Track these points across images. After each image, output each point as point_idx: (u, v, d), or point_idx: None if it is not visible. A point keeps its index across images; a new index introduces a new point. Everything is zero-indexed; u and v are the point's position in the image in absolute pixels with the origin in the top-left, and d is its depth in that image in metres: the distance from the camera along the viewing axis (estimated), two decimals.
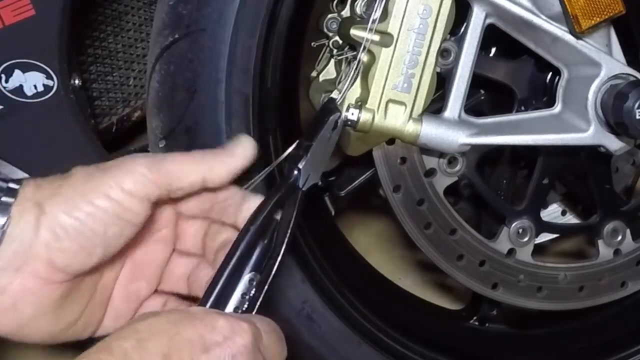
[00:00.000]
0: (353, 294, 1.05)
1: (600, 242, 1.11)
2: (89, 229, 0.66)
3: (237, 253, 0.71)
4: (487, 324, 1.21)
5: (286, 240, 0.75)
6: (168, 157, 0.71)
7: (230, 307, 0.71)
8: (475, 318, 1.22)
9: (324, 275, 1.02)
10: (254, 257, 0.72)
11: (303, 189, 0.76)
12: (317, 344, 1.00)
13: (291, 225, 0.75)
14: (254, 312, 0.73)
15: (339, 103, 0.83)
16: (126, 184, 0.67)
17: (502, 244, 1.07)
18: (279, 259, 0.74)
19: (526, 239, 1.07)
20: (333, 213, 1.21)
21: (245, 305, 0.71)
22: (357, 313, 1.04)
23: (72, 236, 0.66)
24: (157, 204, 0.72)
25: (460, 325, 1.22)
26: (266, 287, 0.73)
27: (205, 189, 0.73)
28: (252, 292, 0.72)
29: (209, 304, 0.70)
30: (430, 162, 1.00)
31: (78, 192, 0.67)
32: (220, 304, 0.70)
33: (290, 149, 0.80)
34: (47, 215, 0.65)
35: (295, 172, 0.76)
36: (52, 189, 0.67)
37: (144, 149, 1.13)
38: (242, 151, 0.74)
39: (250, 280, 0.72)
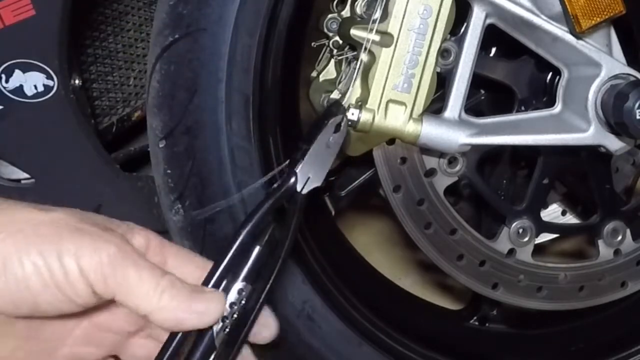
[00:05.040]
0: (353, 294, 1.05)
1: (600, 242, 1.12)
2: (26, 283, 0.60)
3: (226, 259, 0.69)
4: (487, 324, 1.22)
5: (286, 246, 0.74)
6: (136, 265, 0.63)
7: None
8: (475, 318, 1.22)
9: (324, 275, 1.02)
10: (248, 263, 0.71)
11: (303, 192, 0.76)
12: (317, 344, 1.00)
13: (291, 231, 0.74)
14: (250, 321, 0.72)
15: (344, 105, 0.82)
16: (83, 260, 0.61)
17: (502, 244, 1.07)
18: (279, 264, 0.73)
19: (526, 239, 1.07)
20: (333, 213, 1.21)
21: (235, 315, 0.69)
22: (357, 313, 1.04)
23: (9, 280, 0.60)
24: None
25: (460, 325, 1.22)
26: (263, 295, 0.72)
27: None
28: (243, 301, 0.70)
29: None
30: (431, 162, 1.00)
31: (38, 237, 0.61)
32: None
33: (281, 166, 0.78)
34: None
35: (293, 176, 0.76)
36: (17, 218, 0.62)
37: (144, 149, 1.13)
38: (203, 312, 0.65)
39: (240, 291, 0.70)
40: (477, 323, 1.22)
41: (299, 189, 0.75)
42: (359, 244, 1.22)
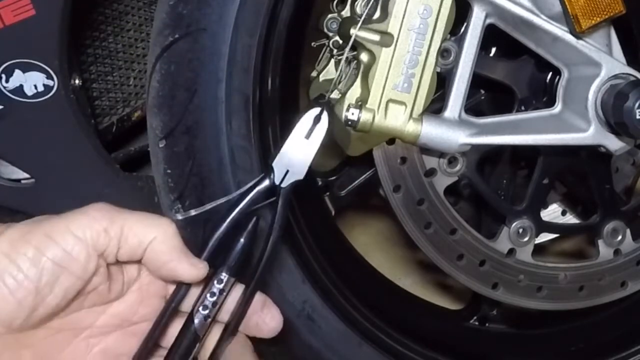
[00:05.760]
0: (353, 294, 1.05)
1: (600, 242, 1.12)
2: (23, 273, 0.61)
3: (207, 249, 0.71)
4: (487, 324, 1.22)
5: (272, 238, 0.74)
6: (130, 211, 0.66)
7: (199, 305, 0.71)
8: (475, 318, 1.22)
9: (324, 275, 1.02)
10: (231, 257, 0.72)
11: (282, 186, 0.76)
12: (317, 344, 1.00)
13: (276, 223, 0.75)
14: (240, 312, 0.73)
15: (327, 98, 0.82)
16: (74, 226, 0.63)
17: (502, 243, 1.07)
18: (265, 256, 0.74)
19: (526, 238, 1.07)
20: (333, 213, 1.21)
21: (216, 305, 0.71)
22: (357, 313, 1.04)
23: (5, 281, 0.61)
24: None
25: (460, 325, 1.22)
26: (251, 286, 0.73)
27: (139, 262, 0.68)
28: (224, 292, 0.72)
29: (175, 301, 0.71)
30: (431, 162, 1.00)
31: (22, 232, 0.63)
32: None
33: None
34: None
35: (270, 171, 0.76)
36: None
37: (144, 149, 1.13)
38: (191, 265, 0.68)
39: (220, 281, 0.72)
40: (477, 323, 1.22)
41: (277, 182, 0.75)
42: (359, 244, 1.22)
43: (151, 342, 0.70)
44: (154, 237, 0.67)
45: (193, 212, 0.89)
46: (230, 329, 0.73)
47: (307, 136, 0.76)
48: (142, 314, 0.72)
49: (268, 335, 0.75)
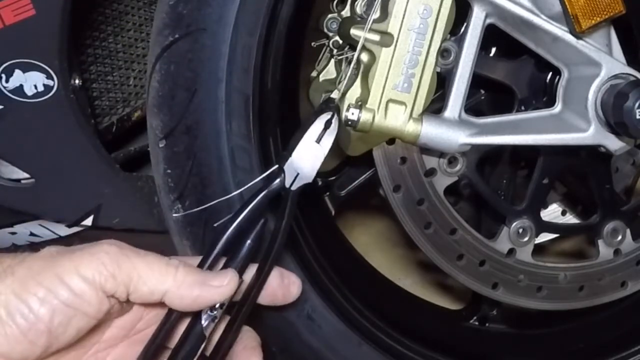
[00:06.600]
0: (353, 294, 1.05)
1: (600, 242, 1.11)
2: (34, 314, 0.61)
3: (214, 253, 0.71)
4: (487, 324, 1.22)
5: (278, 240, 0.75)
6: (139, 255, 0.65)
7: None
8: (475, 318, 1.22)
9: (324, 275, 1.02)
10: (239, 257, 0.72)
11: (292, 189, 0.76)
12: (317, 344, 1.00)
13: (283, 225, 0.75)
14: (241, 314, 0.73)
15: (337, 103, 0.82)
16: (82, 268, 0.62)
17: (502, 243, 1.07)
18: (271, 257, 0.74)
19: (526, 238, 1.07)
20: (333, 213, 1.21)
21: (223, 306, 0.71)
22: (357, 313, 1.04)
23: (17, 321, 0.61)
24: (125, 301, 0.66)
25: (460, 325, 1.22)
26: (256, 286, 0.73)
27: (161, 304, 0.68)
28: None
29: None
30: (431, 161, 1.00)
31: (33, 271, 0.62)
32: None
33: (267, 172, 0.79)
34: None
35: (281, 173, 0.76)
36: (8, 266, 0.63)
37: (144, 149, 1.13)
38: (219, 285, 0.67)
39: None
40: (477, 323, 1.22)
41: (287, 185, 0.76)
42: (359, 244, 1.22)
43: (157, 341, 0.69)
44: (166, 290, 0.65)
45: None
46: (236, 326, 0.73)
47: (318, 140, 0.76)
48: (147, 319, 0.72)
49: (294, 298, 0.80)
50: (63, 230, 1.10)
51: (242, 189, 0.85)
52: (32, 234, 1.12)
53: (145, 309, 0.72)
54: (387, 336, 1.06)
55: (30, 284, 0.61)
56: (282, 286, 0.77)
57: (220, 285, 0.67)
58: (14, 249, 1.16)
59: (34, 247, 1.02)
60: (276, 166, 0.77)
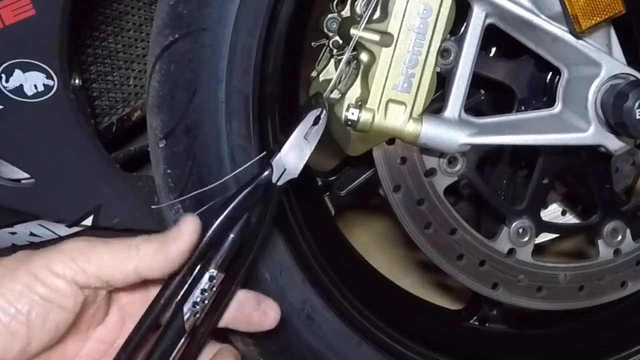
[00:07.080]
0: (353, 294, 1.05)
1: (600, 242, 1.12)
2: (14, 307, 0.64)
3: (199, 247, 0.71)
4: (487, 324, 1.22)
5: (260, 236, 0.75)
6: (105, 244, 0.67)
7: (189, 301, 0.71)
8: (475, 318, 1.22)
9: (324, 275, 1.02)
10: (221, 251, 0.72)
11: (278, 184, 0.76)
12: (317, 344, 1.00)
13: (266, 221, 0.76)
14: (220, 309, 0.73)
15: (325, 98, 0.82)
16: (53, 265, 0.65)
17: (502, 243, 1.07)
18: (252, 252, 0.74)
19: (526, 238, 1.07)
20: (333, 213, 1.21)
21: (206, 301, 0.71)
22: (357, 313, 1.04)
23: None
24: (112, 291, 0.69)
25: (460, 325, 1.22)
26: (235, 282, 0.73)
27: (147, 280, 0.69)
28: (214, 287, 0.72)
29: (164, 297, 0.71)
30: (430, 161, 1.00)
31: (8, 270, 0.65)
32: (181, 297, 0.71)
33: (248, 164, 0.79)
34: None
35: (269, 168, 0.77)
36: None
37: (144, 149, 1.13)
38: (179, 237, 0.68)
39: (211, 277, 0.72)
40: (477, 323, 1.22)
41: (274, 180, 0.76)
42: (359, 244, 1.22)
43: (138, 336, 0.70)
44: (134, 267, 0.67)
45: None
46: (212, 324, 0.74)
47: (306, 136, 0.76)
48: (125, 334, 0.73)
49: (272, 325, 0.77)
50: (63, 230, 1.10)
51: (222, 180, 0.84)
52: (32, 234, 1.11)
53: (123, 323, 0.73)
54: (387, 336, 1.06)
55: (7, 281, 0.65)
56: (259, 310, 0.76)
57: (179, 235, 0.68)
58: (14, 249, 1.15)
59: (34, 247, 1.02)
60: (264, 153, 0.77)
